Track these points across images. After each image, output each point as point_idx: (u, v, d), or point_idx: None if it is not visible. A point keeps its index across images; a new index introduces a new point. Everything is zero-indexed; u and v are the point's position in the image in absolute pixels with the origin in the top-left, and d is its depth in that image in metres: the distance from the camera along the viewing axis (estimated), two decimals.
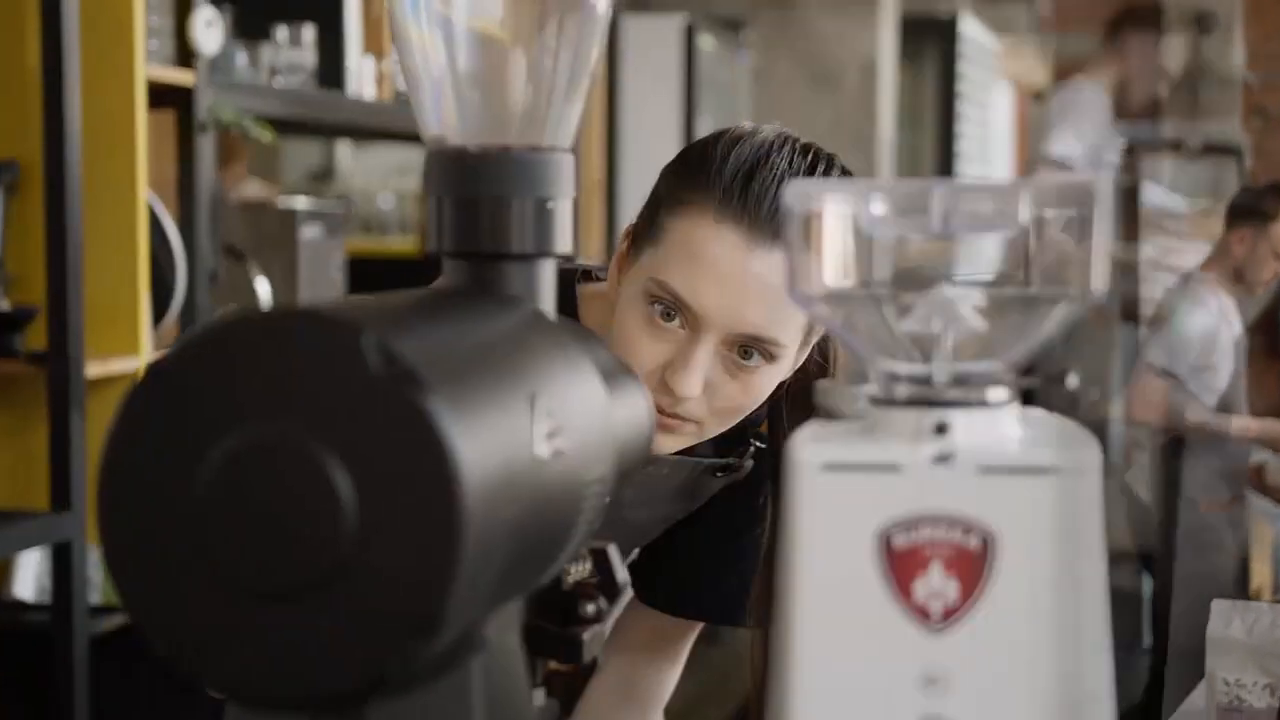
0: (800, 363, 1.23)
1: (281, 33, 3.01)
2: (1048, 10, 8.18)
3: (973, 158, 7.04)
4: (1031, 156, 4.79)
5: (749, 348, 1.15)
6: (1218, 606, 1.68)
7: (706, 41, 4.94)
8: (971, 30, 6.87)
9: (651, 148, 4.35)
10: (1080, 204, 0.61)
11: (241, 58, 2.84)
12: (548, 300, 0.71)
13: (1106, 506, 0.60)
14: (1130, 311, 4.08)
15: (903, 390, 0.62)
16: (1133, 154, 4.43)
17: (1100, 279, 0.61)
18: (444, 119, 0.70)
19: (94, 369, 2.38)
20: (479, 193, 0.68)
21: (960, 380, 0.62)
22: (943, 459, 0.60)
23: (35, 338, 2.34)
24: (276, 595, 0.55)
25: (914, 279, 0.64)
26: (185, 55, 2.63)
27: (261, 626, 0.55)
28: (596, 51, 0.72)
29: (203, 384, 0.56)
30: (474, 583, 0.56)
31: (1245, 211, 3.48)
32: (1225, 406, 3.63)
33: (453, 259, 0.70)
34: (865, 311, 0.63)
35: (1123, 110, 4.47)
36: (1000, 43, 7.38)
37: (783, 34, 5.63)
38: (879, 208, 0.63)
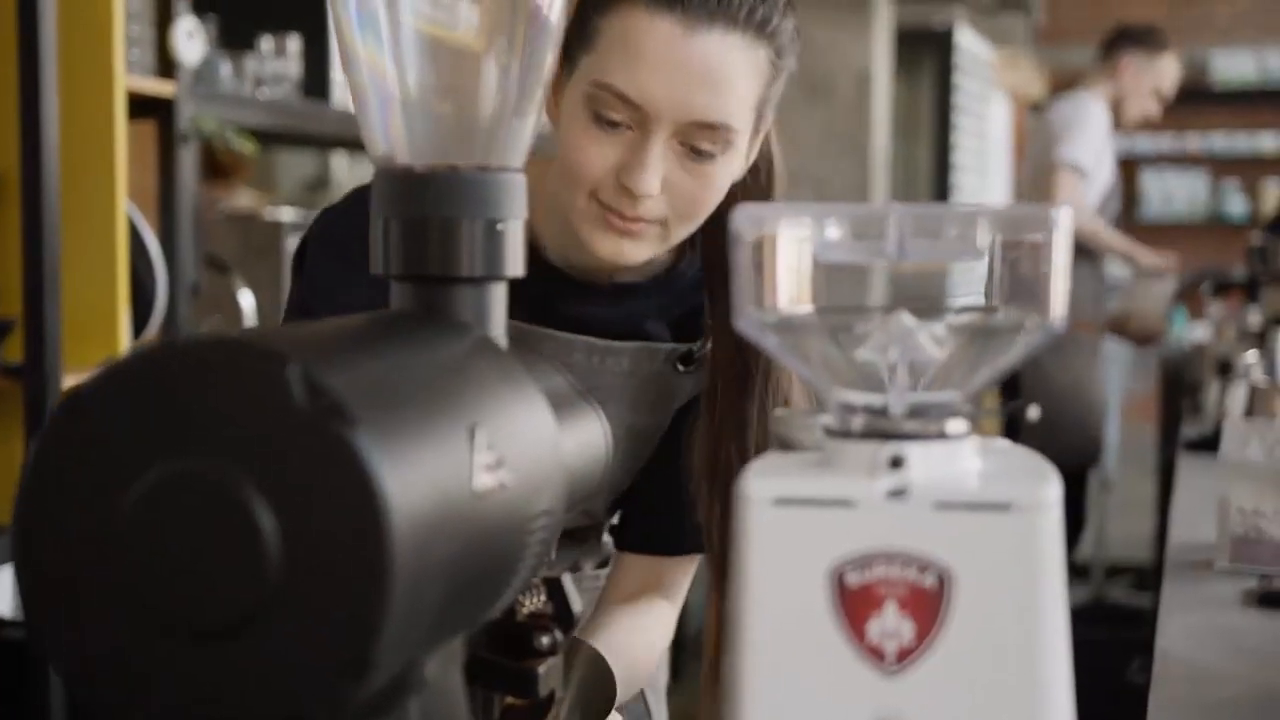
0: (753, 158, 1.23)
1: (266, 43, 2.99)
2: (1044, 22, 8.18)
3: (969, 169, 7.02)
4: (1029, 165, 4.76)
5: (699, 146, 1.14)
6: (1232, 426, 1.50)
7: None
8: (967, 41, 6.85)
9: None
10: (1040, 231, 0.59)
11: (225, 68, 2.82)
12: (498, 325, 0.68)
13: None
14: None
15: (858, 421, 0.60)
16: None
17: (1061, 307, 0.59)
18: (391, 137, 0.68)
19: (72, 382, 2.35)
20: (426, 213, 0.66)
21: (918, 411, 0.60)
22: (897, 494, 0.58)
23: (12, 350, 2.32)
24: (198, 634, 0.53)
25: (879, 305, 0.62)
26: (167, 65, 2.60)
27: (183, 665, 0.53)
28: (549, 65, 0.70)
29: (124, 413, 0.54)
30: (407, 622, 0.53)
31: None
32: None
33: (400, 282, 0.68)
34: (819, 339, 0.61)
35: (1118, 126, 4.47)
36: (997, 54, 7.36)
37: None
38: (834, 232, 0.60)
